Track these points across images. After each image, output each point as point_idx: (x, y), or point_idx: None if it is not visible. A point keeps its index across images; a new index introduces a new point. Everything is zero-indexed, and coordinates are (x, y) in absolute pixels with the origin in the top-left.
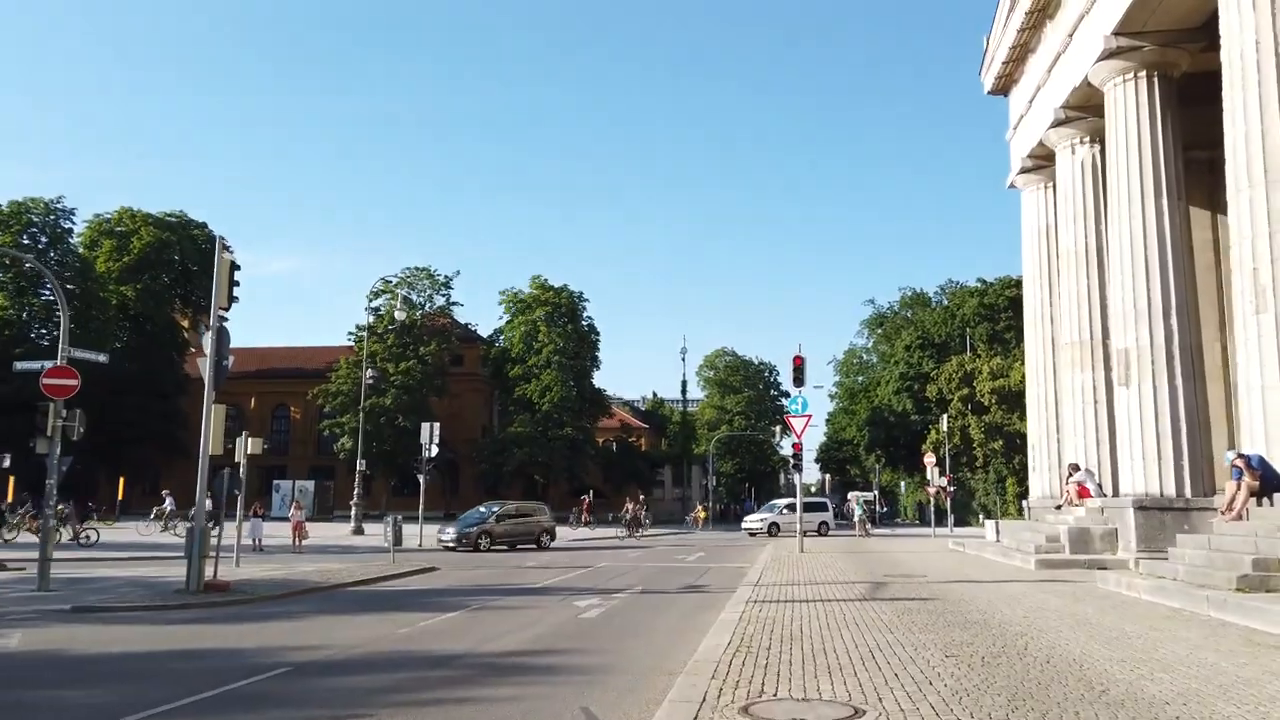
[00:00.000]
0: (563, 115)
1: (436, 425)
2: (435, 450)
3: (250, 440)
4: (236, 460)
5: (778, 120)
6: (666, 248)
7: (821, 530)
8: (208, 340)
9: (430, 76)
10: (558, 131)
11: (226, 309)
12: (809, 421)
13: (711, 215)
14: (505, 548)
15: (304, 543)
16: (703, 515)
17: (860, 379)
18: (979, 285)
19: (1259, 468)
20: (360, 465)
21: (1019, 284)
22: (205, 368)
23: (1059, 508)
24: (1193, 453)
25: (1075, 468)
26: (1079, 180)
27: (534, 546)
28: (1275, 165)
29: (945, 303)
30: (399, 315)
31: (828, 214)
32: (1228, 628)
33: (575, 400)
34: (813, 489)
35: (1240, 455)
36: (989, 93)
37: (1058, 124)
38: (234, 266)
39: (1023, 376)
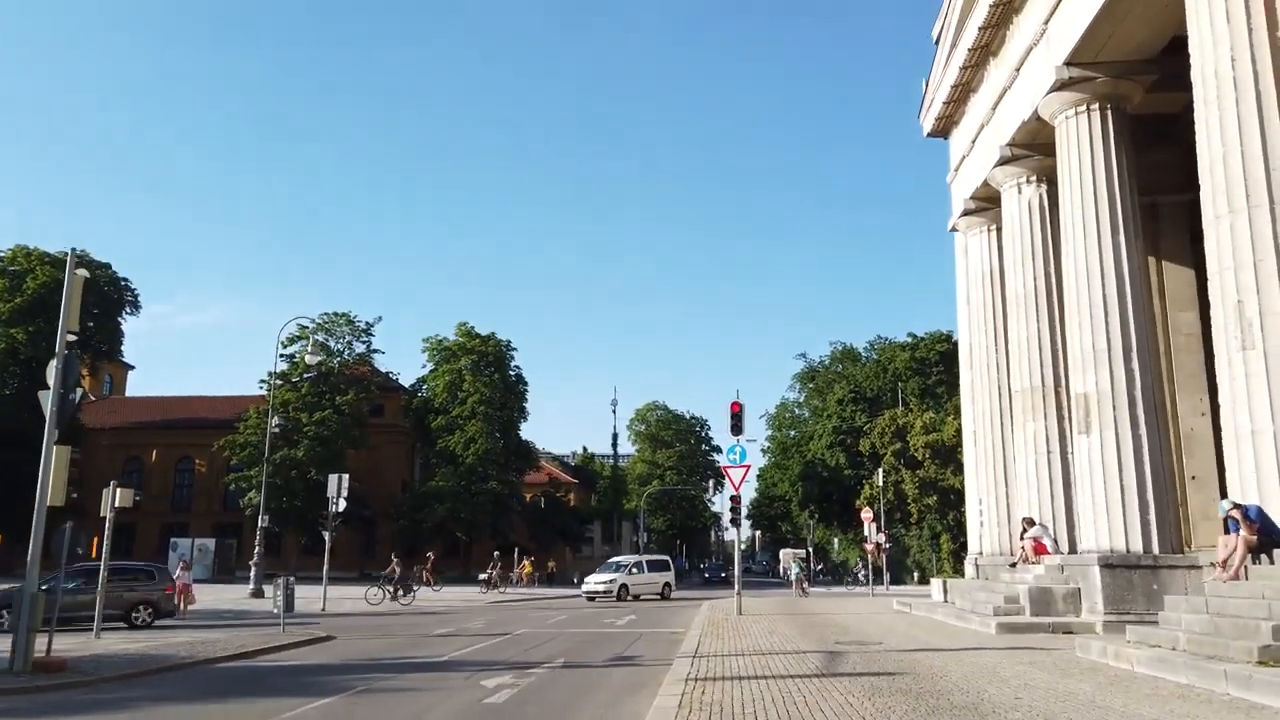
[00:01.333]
0: (496, 159)
1: (345, 477)
2: (343, 504)
3: (119, 491)
4: (103, 514)
5: (709, 170)
6: (599, 298)
7: (665, 593)
8: (51, 370)
9: (355, 121)
10: (490, 177)
11: (77, 333)
12: (748, 472)
13: (644, 267)
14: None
15: (190, 608)
16: (528, 569)
17: (793, 433)
18: (910, 339)
19: (1257, 520)
20: (263, 521)
21: (949, 338)
22: (47, 401)
23: (1014, 565)
24: (1159, 505)
25: (1030, 522)
26: (1026, 220)
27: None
28: (1259, 188)
29: (875, 358)
30: (310, 359)
31: (760, 266)
32: (1261, 711)
33: (501, 453)
34: (743, 546)
35: (1236, 506)
36: (928, 135)
37: (1004, 162)
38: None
39: (956, 430)
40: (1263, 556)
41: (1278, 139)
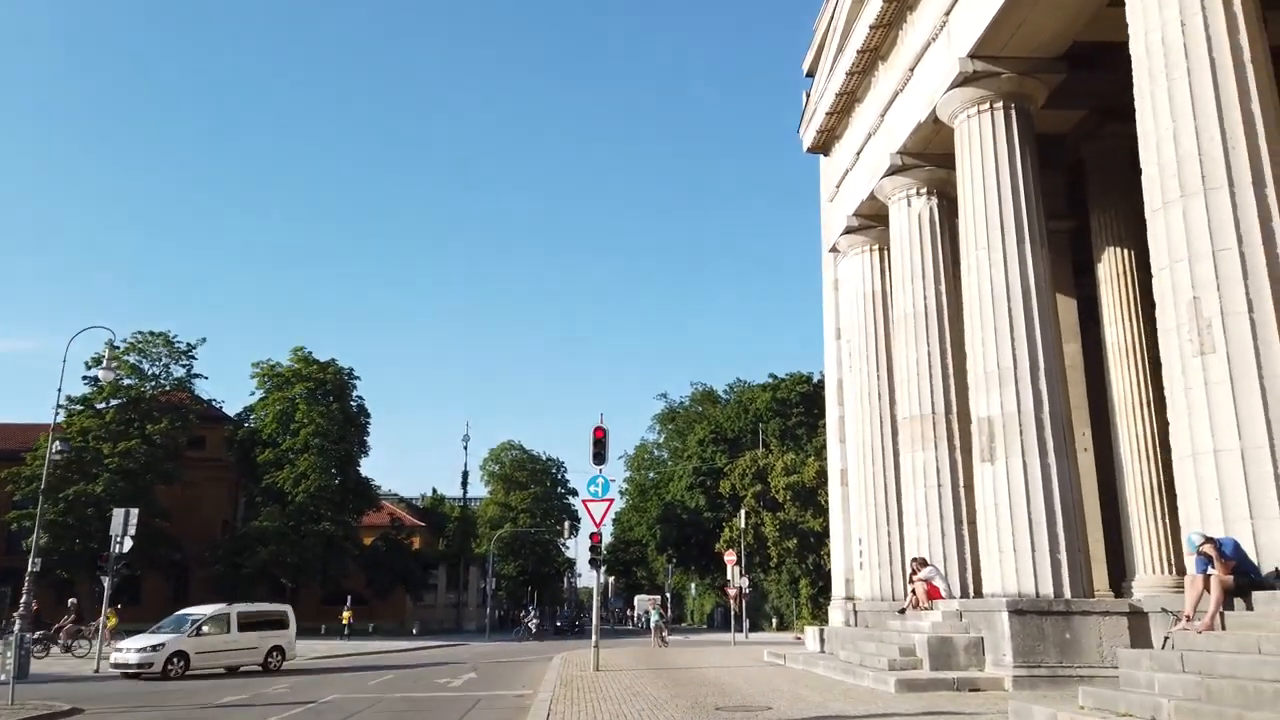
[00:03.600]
0: (343, 190)
1: (134, 512)
2: (129, 543)
3: None
4: None
5: (564, 209)
6: (455, 336)
7: (270, 663)
8: None
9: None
10: (336, 208)
11: None
12: (610, 507)
13: (501, 302)
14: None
15: None
16: (113, 622)
17: (652, 475)
18: (771, 380)
19: (1234, 556)
20: (33, 565)
21: (810, 380)
22: None
23: (903, 612)
24: (1070, 542)
25: (922, 563)
26: (916, 234)
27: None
28: (1216, 167)
29: (736, 399)
30: (102, 375)
31: (620, 304)
32: None
33: (336, 491)
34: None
35: (1208, 540)
36: (809, 150)
37: (893, 172)
38: None
39: (817, 472)
40: (1236, 601)
41: (1236, 112)
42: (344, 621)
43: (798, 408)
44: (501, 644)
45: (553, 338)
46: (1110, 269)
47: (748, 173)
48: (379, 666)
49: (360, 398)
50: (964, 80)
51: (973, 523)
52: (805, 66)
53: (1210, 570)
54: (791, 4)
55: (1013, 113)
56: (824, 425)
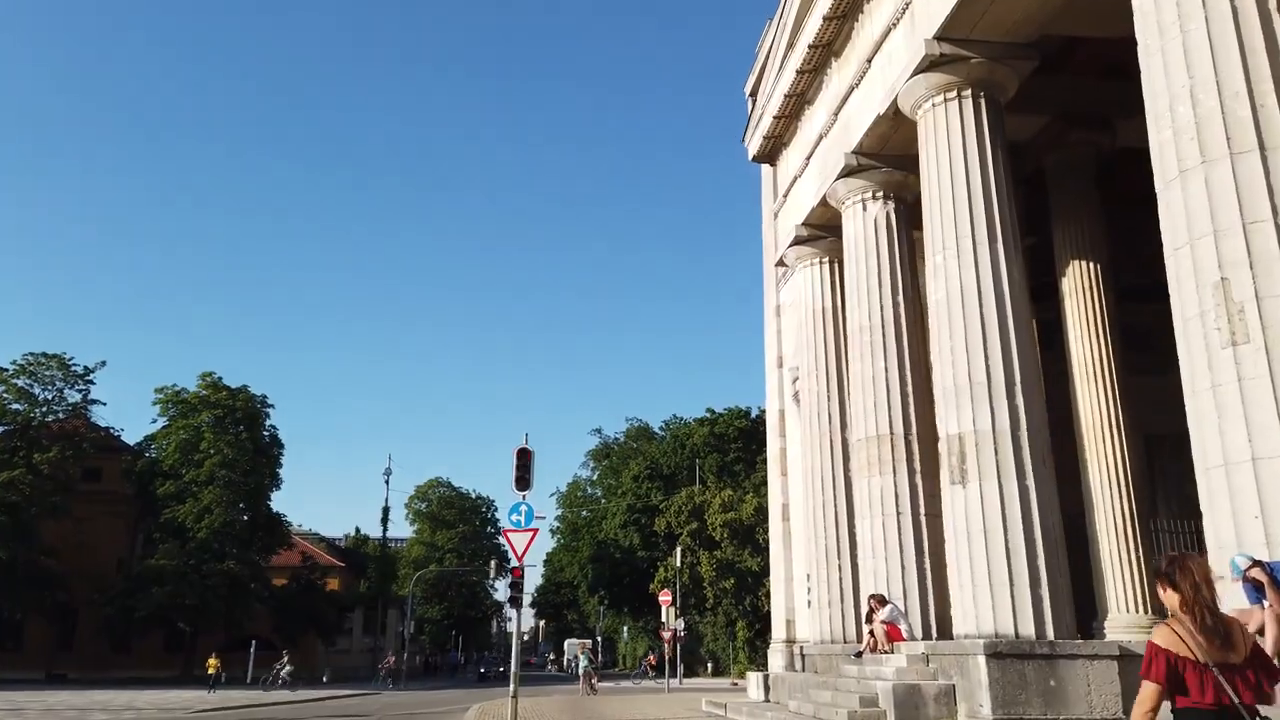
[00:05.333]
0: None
1: None
2: None
3: None
4: None
5: (495, 241)
6: (381, 370)
7: None
8: None
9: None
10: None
11: None
12: (534, 538)
13: (430, 337)
14: None
15: None
16: None
17: (585, 513)
18: (708, 415)
19: None
20: None
21: (748, 415)
22: None
23: (859, 655)
24: (1053, 575)
25: (881, 600)
26: (873, 241)
27: None
28: (1244, 128)
29: (671, 436)
30: None
31: (554, 337)
32: None
33: (244, 527)
34: (526, 637)
35: (1256, 563)
36: (754, 158)
37: (848, 173)
38: None
39: (755, 509)
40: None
41: (1265, 64)
42: (210, 670)
43: (736, 443)
44: (418, 693)
45: (485, 373)
46: (1075, 283)
47: (688, 211)
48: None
49: (274, 427)
50: (929, 65)
51: (936, 554)
52: (748, 88)
53: (1265, 603)
54: (732, 35)
55: (982, 102)
56: (763, 460)
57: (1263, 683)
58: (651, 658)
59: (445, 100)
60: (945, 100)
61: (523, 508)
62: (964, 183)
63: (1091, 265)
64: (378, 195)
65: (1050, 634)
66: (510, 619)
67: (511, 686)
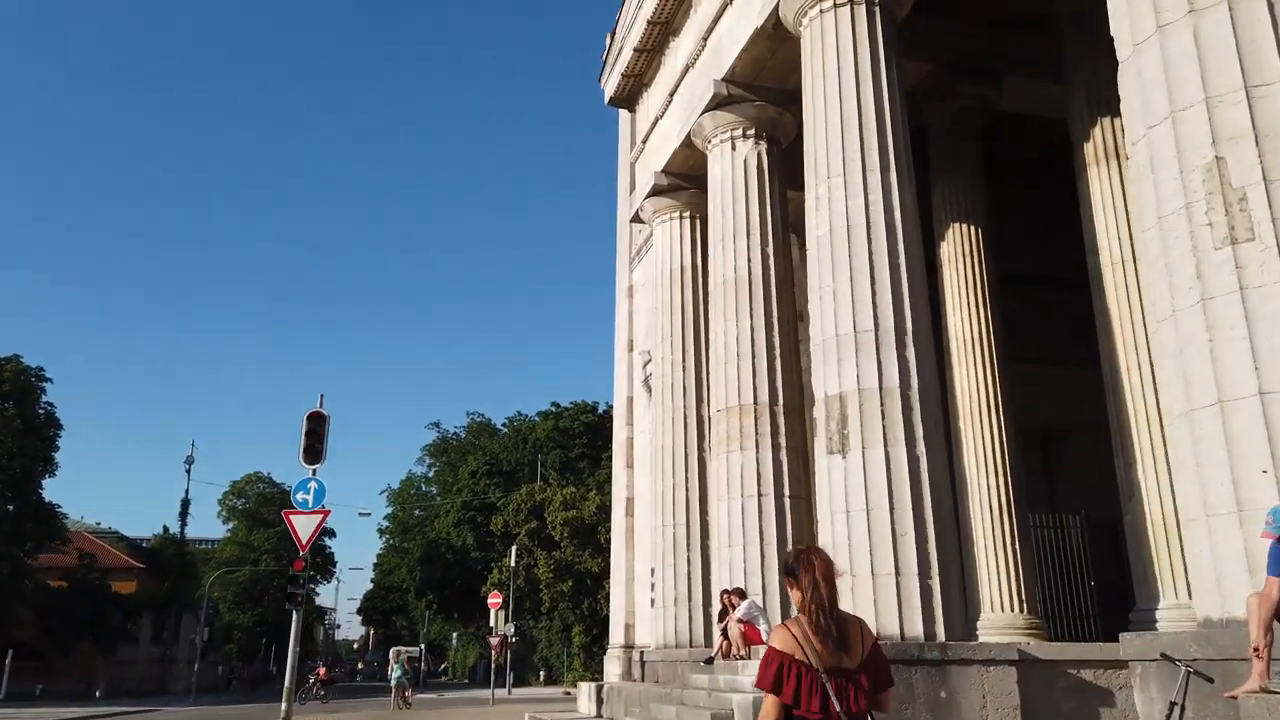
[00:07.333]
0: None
1: None
2: None
3: None
4: None
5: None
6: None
7: None
8: None
9: None
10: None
11: None
12: (323, 521)
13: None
14: None
15: None
16: None
17: (418, 511)
18: (553, 408)
19: None
20: None
21: (594, 410)
22: None
23: (710, 662)
24: (945, 564)
25: (740, 594)
26: (741, 184)
27: None
28: None
29: (513, 430)
30: None
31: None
32: None
33: (7, 518)
34: (355, 645)
35: None
36: (611, 100)
37: (716, 105)
38: None
39: (598, 508)
40: None
41: None
42: None
43: (581, 438)
44: (210, 708)
45: (324, 365)
46: (954, 249)
47: (545, 200)
48: None
49: (50, 404)
50: None
51: (802, 541)
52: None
53: None
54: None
55: (875, 10)
56: (608, 457)
57: (876, 688)
58: (321, 670)
59: (265, 61)
60: (836, 5)
61: (311, 485)
62: (854, 102)
63: (972, 230)
64: (197, 182)
65: (941, 634)
66: (340, 626)
67: (284, 706)
